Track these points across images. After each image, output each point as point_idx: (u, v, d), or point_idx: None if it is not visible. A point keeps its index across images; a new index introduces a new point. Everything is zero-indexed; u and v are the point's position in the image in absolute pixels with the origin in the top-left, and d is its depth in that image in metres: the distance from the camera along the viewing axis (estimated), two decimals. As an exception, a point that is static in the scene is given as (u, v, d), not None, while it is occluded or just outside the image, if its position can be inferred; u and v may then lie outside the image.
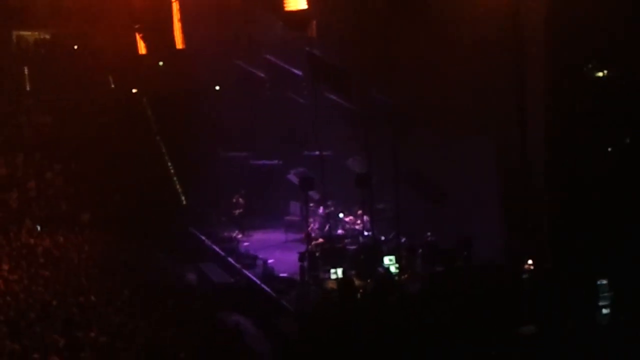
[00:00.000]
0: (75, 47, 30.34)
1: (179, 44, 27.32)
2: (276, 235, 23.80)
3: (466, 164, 19.99)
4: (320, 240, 20.99)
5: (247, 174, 26.04)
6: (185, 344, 14.01)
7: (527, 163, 18.05)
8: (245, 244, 23.17)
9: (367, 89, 20.78)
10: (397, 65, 20.08)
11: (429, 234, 20.21)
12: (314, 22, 22.24)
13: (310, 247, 20.36)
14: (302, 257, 19.35)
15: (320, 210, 23.14)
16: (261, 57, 25.55)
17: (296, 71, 24.23)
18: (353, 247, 20.77)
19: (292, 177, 24.58)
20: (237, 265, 20.94)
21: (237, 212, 24.67)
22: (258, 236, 24.17)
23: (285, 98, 25.08)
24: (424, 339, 13.92)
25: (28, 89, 29.26)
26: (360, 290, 17.49)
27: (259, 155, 26.46)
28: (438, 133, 19.94)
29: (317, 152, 21.95)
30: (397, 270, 19.00)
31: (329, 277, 18.99)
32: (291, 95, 24.72)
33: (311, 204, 22.65)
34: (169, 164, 27.34)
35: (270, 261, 20.62)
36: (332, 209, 23.04)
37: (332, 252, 19.92)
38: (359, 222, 22.30)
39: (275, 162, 26.09)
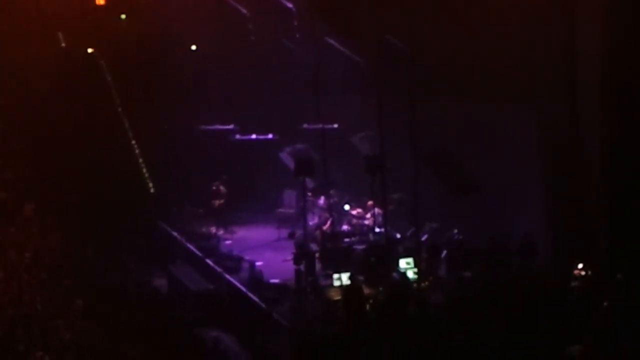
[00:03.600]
0: (15, -6, 30.10)
1: (146, -9, 27.16)
2: (266, 232, 23.82)
3: (504, 143, 20.05)
4: (312, 246, 20.99)
5: (230, 154, 26.04)
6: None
7: (578, 145, 18.07)
8: (228, 242, 23.22)
9: (381, 32, 20.54)
10: (422, 4, 19.99)
11: (455, 231, 20.28)
12: None
13: (303, 242, 20.34)
14: (297, 259, 19.37)
15: (321, 201, 23.17)
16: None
17: (287, 3, 23.94)
18: (361, 246, 20.85)
19: (286, 157, 24.58)
20: (218, 269, 21.00)
21: (217, 202, 24.69)
22: (243, 233, 24.20)
23: (275, 47, 24.95)
24: (449, 361, 13.98)
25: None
26: (370, 301, 17.57)
27: (247, 128, 26.44)
28: (470, 102, 19.95)
29: (320, 125, 21.96)
30: (416, 276, 19.11)
31: (332, 284, 19.07)
32: (283, 42, 24.57)
33: (309, 194, 22.67)
34: (134, 142, 27.24)
35: (258, 264, 20.69)
36: (336, 199, 23.06)
37: (336, 253, 20.02)
38: (368, 215, 22.32)
39: (270, 136, 26.10)
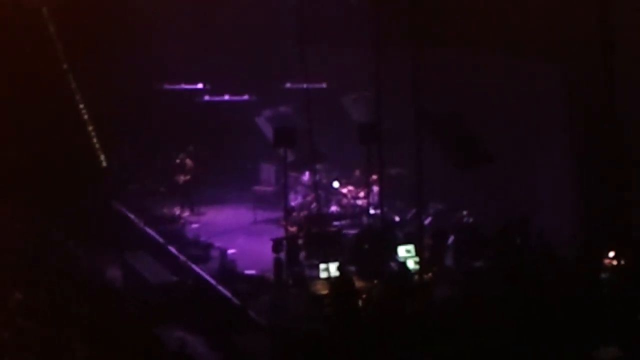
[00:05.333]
0: None
1: None
2: (240, 214, 23.97)
3: (525, 106, 20.12)
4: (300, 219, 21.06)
5: (198, 119, 26.06)
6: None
7: (614, 111, 18.14)
8: (195, 225, 23.34)
9: None
10: None
11: (465, 212, 20.41)
12: None
13: (289, 230, 20.49)
14: (277, 247, 19.49)
15: (306, 176, 23.25)
16: None
17: None
18: (353, 231, 21.00)
19: (263, 123, 24.63)
20: (182, 258, 21.10)
21: (182, 178, 24.75)
22: (213, 215, 24.32)
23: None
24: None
25: None
26: (363, 296, 17.69)
27: (218, 88, 26.41)
28: (484, 55, 19.98)
29: (305, 85, 22.04)
30: (418, 267, 19.21)
31: (318, 276, 19.18)
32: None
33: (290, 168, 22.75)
34: (82, 105, 27.22)
35: (231, 252, 20.80)
36: (323, 174, 23.13)
37: (322, 239, 20.14)
38: (362, 194, 22.44)
39: (246, 97, 26.09)
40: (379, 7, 20.39)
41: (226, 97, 26.38)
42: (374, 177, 21.88)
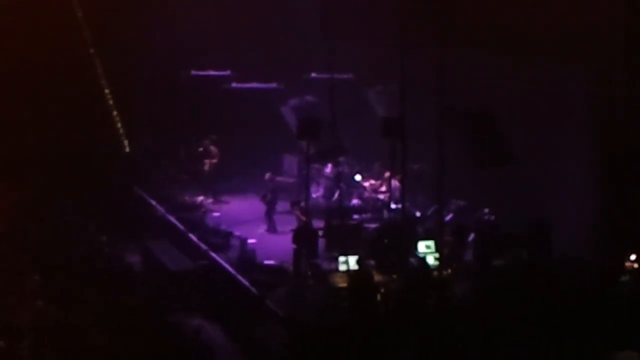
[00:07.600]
0: None
1: None
2: (262, 204, 23.99)
3: (549, 106, 20.08)
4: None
5: (223, 106, 26.11)
6: (122, 356, 14.23)
7: (637, 111, 18.12)
8: (216, 214, 23.44)
9: None
10: None
11: (486, 210, 20.39)
12: None
13: (300, 219, 20.47)
14: (297, 238, 19.54)
15: (328, 169, 23.27)
16: None
17: None
18: (373, 225, 21.06)
19: (288, 113, 24.60)
20: (203, 246, 21.21)
21: (205, 166, 24.83)
22: (235, 204, 24.41)
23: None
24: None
25: None
26: (382, 290, 17.74)
27: (245, 75, 26.42)
28: (510, 55, 19.98)
29: (330, 75, 22.07)
30: (437, 263, 19.25)
31: (337, 269, 19.25)
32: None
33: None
34: (107, 90, 27.34)
35: (251, 241, 20.92)
36: (346, 167, 23.16)
37: (343, 232, 20.16)
38: (383, 188, 22.46)
39: (273, 85, 26.04)
40: (405, 1, 20.39)
41: (253, 85, 26.32)
42: (387, 174, 21.96)
